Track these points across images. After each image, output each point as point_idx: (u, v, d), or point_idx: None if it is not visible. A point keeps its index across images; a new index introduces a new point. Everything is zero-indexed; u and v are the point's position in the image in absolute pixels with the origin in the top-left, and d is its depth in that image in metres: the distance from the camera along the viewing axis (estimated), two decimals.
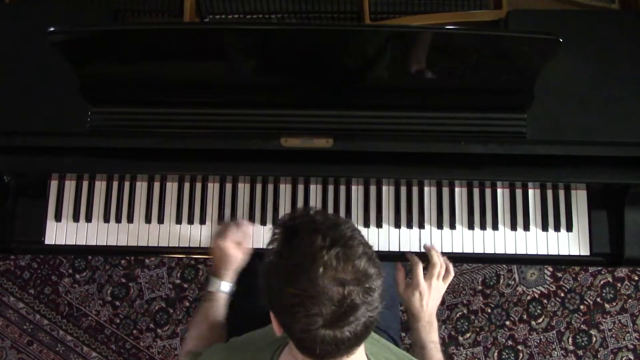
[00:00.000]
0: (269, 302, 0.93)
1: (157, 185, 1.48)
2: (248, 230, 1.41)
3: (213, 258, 1.40)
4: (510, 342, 2.12)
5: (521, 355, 2.12)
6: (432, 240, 1.45)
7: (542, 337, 2.12)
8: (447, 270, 1.35)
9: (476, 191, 1.47)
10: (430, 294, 1.32)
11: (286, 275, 0.89)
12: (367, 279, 0.87)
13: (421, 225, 1.45)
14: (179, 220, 1.47)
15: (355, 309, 0.86)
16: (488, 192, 1.47)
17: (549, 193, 1.46)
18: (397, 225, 1.45)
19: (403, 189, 1.47)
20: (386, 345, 1.16)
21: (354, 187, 1.47)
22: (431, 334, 1.31)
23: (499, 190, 1.47)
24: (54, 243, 1.47)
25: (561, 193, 1.46)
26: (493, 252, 1.45)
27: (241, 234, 1.38)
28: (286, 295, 0.88)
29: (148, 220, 1.47)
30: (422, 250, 1.43)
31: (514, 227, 1.45)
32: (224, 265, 1.35)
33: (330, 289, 0.85)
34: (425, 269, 1.35)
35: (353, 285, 0.86)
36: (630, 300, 2.14)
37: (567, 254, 1.45)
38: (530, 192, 1.47)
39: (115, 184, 1.48)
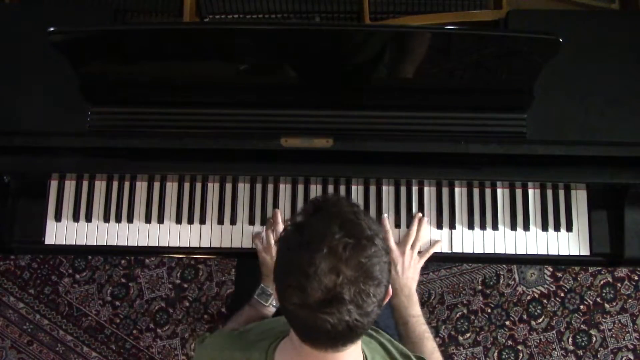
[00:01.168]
0: (274, 268, 0.93)
1: (157, 185, 1.48)
2: None
3: (266, 267, 1.35)
4: (510, 342, 2.12)
5: (521, 355, 2.12)
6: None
7: (542, 337, 2.12)
8: (429, 246, 1.38)
9: (476, 191, 1.47)
10: (404, 263, 1.32)
11: (293, 247, 0.89)
12: (366, 281, 0.86)
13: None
14: (179, 220, 1.47)
15: (341, 303, 0.84)
16: (488, 192, 1.47)
17: (549, 193, 1.46)
18: (397, 225, 1.45)
19: (403, 189, 1.47)
20: (381, 344, 1.15)
21: (354, 187, 1.47)
22: (410, 308, 1.30)
23: (499, 190, 1.47)
24: (54, 243, 1.47)
25: (561, 193, 1.46)
26: (493, 252, 1.45)
27: None
28: (286, 264, 0.89)
29: (148, 220, 1.47)
30: (423, 250, 1.43)
31: (514, 227, 1.45)
32: None
33: (324, 273, 0.84)
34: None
35: (349, 279, 0.85)
36: (630, 300, 2.14)
37: (567, 254, 1.45)
38: (530, 192, 1.47)
39: (115, 184, 1.48)
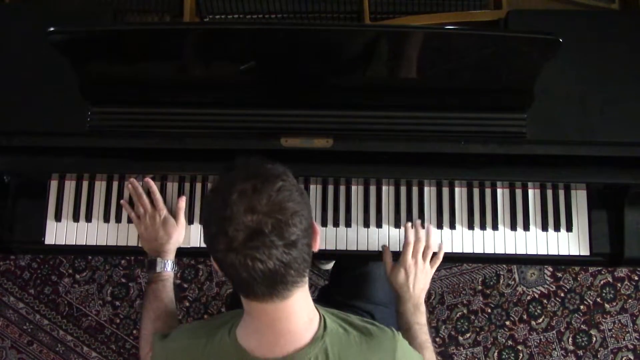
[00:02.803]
0: (202, 226, 0.99)
1: (157, 185, 1.48)
2: (181, 204, 1.43)
3: (148, 237, 1.40)
4: (510, 342, 2.12)
5: (521, 355, 2.12)
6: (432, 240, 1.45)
7: (542, 337, 2.12)
8: (435, 255, 1.37)
9: (476, 191, 1.47)
10: (417, 273, 1.32)
11: (211, 201, 0.96)
12: (282, 211, 0.90)
13: (421, 225, 1.45)
14: None
15: (262, 235, 0.89)
16: (488, 192, 1.47)
17: (549, 193, 1.46)
18: (397, 225, 1.45)
19: (403, 189, 1.47)
20: (346, 319, 1.13)
21: (354, 187, 1.47)
22: (417, 316, 1.30)
23: (499, 190, 1.47)
24: (54, 243, 1.47)
25: (561, 193, 1.46)
26: (493, 252, 1.45)
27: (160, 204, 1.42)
28: (207, 217, 0.96)
29: None
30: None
31: (514, 227, 1.45)
32: (167, 242, 1.38)
33: (240, 213, 0.89)
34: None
35: (264, 213, 0.89)
36: (630, 300, 2.14)
37: (567, 254, 1.45)
38: (530, 192, 1.47)
39: (115, 184, 1.48)
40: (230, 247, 0.90)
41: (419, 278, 1.32)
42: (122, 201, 1.46)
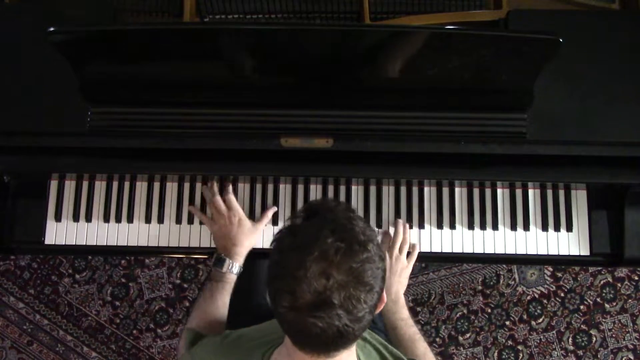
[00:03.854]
0: (268, 271, 0.93)
1: (157, 185, 1.48)
2: (269, 213, 1.43)
3: (221, 235, 1.38)
4: (510, 342, 2.12)
5: (521, 355, 2.12)
6: (432, 240, 1.45)
7: (542, 337, 2.12)
8: (413, 249, 1.38)
9: (476, 191, 1.47)
10: (393, 267, 1.32)
11: (285, 250, 0.89)
12: (357, 286, 0.85)
13: (421, 225, 1.45)
14: (179, 220, 1.47)
15: (330, 307, 0.84)
16: (488, 192, 1.47)
17: (549, 193, 1.46)
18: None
19: (403, 189, 1.47)
20: (376, 348, 1.14)
21: (354, 187, 1.47)
22: (398, 312, 1.29)
23: (499, 190, 1.47)
24: (54, 243, 1.47)
25: (561, 193, 1.46)
26: (493, 252, 1.45)
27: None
28: (277, 266, 0.89)
29: (148, 220, 1.47)
30: (422, 249, 1.43)
31: (514, 227, 1.45)
32: (240, 244, 1.35)
33: (314, 276, 0.84)
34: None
35: (339, 284, 0.84)
36: (630, 300, 2.14)
37: (567, 254, 1.45)
38: (530, 192, 1.47)
39: (115, 184, 1.48)
40: (293, 306, 0.85)
41: (395, 271, 1.33)
42: (190, 207, 1.45)
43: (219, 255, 1.36)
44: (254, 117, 1.34)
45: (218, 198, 1.40)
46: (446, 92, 1.34)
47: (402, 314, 1.30)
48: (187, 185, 1.47)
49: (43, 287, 2.16)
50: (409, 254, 1.41)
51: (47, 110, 1.36)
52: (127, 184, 1.48)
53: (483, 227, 1.46)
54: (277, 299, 0.87)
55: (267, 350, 1.04)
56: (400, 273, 1.34)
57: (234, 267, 1.34)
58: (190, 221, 1.46)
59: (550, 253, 1.45)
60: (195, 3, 1.47)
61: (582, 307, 2.13)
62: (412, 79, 1.32)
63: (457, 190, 1.47)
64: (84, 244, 1.47)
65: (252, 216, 1.45)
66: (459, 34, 1.28)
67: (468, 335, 2.12)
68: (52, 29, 1.20)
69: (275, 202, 1.46)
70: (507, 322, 2.13)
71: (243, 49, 1.28)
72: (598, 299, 2.13)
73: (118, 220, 1.47)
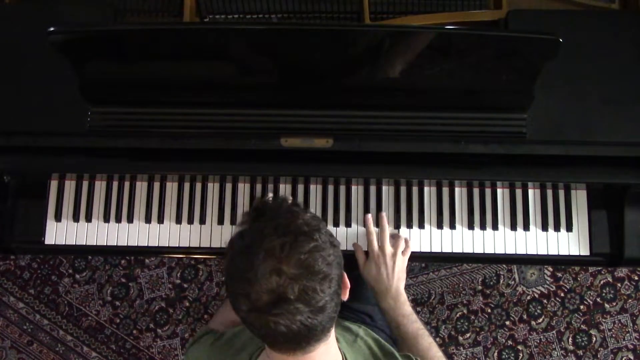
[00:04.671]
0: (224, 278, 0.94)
1: (157, 185, 1.48)
2: None
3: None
4: (510, 342, 2.12)
5: (521, 355, 2.12)
6: (432, 240, 1.45)
7: (542, 337, 2.12)
8: (406, 244, 1.35)
9: (476, 191, 1.47)
10: (386, 263, 1.29)
11: (236, 253, 0.90)
12: (310, 277, 0.85)
13: (421, 225, 1.45)
14: (179, 220, 1.47)
15: (287, 302, 0.84)
16: (488, 192, 1.47)
17: (549, 193, 1.46)
18: (397, 225, 1.45)
19: (403, 189, 1.47)
20: (367, 344, 1.14)
21: (354, 187, 1.47)
22: (399, 308, 1.27)
23: (499, 190, 1.47)
24: (54, 243, 1.47)
25: (561, 193, 1.46)
26: (493, 252, 1.45)
27: None
28: (231, 272, 0.90)
29: (148, 220, 1.47)
30: (422, 249, 1.43)
31: (514, 227, 1.45)
32: None
33: (265, 276, 0.84)
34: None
35: (291, 278, 0.84)
36: (630, 300, 2.14)
37: (567, 254, 1.45)
38: (530, 192, 1.47)
39: (115, 184, 1.48)
40: (253, 308, 0.86)
41: (389, 267, 1.29)
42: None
43: None
44: (254, 117, 1.34)
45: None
46: (446, 92, 1.34)
47: (404, 310, 1.27)
48: (187, 185, 1.48)
49: (43, 287, 2.16)
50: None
51: (47, 110, 1.36)
52: (127, 184, 1.48)
53: (483, 227, 1.46)
54: (236, 304, 0.88)
55: (255, 352, 1.04)
56: (394, 268, 1.30)
57: None
58: (190, 221, 1.46)
59: (550, 253, 1.45)
60: (195, 3, 1.47)
61: (582, 307, 2.13)
62: (412, 79, 1.32)
63: (457, 190, 1.47)
64: (84, 244, 1.47)
65: None
66: (459, 34, 1.28)
67: (468, 335, 2.12)
68: (52, 29, 1.20)
69: None
70: (507, 322, 2.13)
71: (243, 49, 1.28)
72: (598, 299, 2.13)
73: (118, 220, 1.47)
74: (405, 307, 1.28)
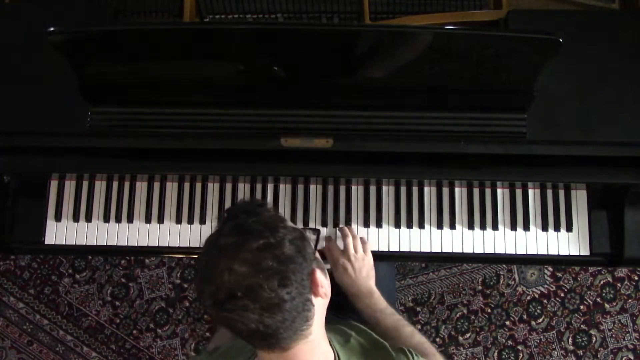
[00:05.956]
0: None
1: (157, 185, 1.48)
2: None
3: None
4: (510, 342, 2.12)
5: (521, 355, 2.12)
6: (432, 240, 1.45)
7: (542, 337, 2.12)
8: (362, 242, 1.37)
9: (476, 191, 1.47)
10: (354, 266, 1.31)
11: (202, 255, 0.94)
12: (256, 274, 0.86)
13: (421, 225, 1.45)
14: (179, 220, 1.47)
15: (235, 298, 0.86)
16: (488, 192, 1.47)
17: (549, 193, 1.46)
18: (397, 225, 1.45)
19: (403, 189, 1.47)
20: (359, 342, 1.14)
21: (354, 187, 1.47)
22: (374, 304, 1.28)
23: (499, 190, 1.47)
24: (54, 243, 1.47)
25: (561, 193, 1.46)
26: (493, 252, 1.45)
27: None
28: (198, 270, 0.95)
29: (148, 220, 1.47)
30: (423, 250, 1.43)
31: (514, 227, 1.45)
32: None
33: (219, 273, 0.87)
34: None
35: (239, 276, 0.86)
36: (630, 300, 2.14)
37: (567, 254, 1.45)
38: (530, 192, 1.47)
39: (115, 184, 1.48)
40: (214, 304, 0.88)
41: (356, 269, 1.31)
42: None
43: None
44: (254, 117, 1.34)
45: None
46: (446, 92, 1.34)
47: (379, 305, 1.28)
48: (187, 185, 1.48)
49: (43, 287, 2.16)
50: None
51: (47, 110, 1.36)
52: (127, 184, 1.48)
53: (483, 227, 1.46)
54: (202, 301, 0.91)
55: (251, 356, 1.04)
56: (361, 269, 1.32)
57: None
58: (190, 221, 1.46)
59: (550, 253, 1.45)
60: (195, 3, 1.47)
61: (582, 307, 2.13)
62: (412, 79, 1.32)
63: (457, 190, 1.47)
64: (84, 244, 1.47)
65: None
66: (459, 34, 1.28)
67: (468, 335, 2.12)
68: (52, 29, 1.20)
69: (275, 202, 1.46)
70: (507, 322, 2.13)
71: (243, 49, 1.28)
72: (598, 299, 2.13)
73: (118, 220, 1.47)
74: (380, 302, 1.29)
